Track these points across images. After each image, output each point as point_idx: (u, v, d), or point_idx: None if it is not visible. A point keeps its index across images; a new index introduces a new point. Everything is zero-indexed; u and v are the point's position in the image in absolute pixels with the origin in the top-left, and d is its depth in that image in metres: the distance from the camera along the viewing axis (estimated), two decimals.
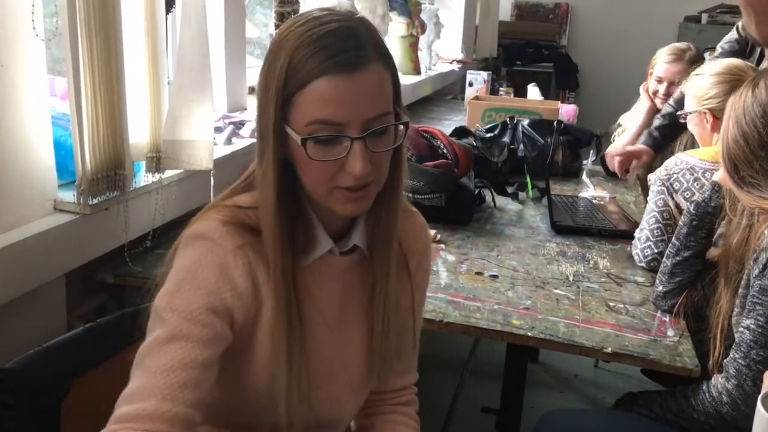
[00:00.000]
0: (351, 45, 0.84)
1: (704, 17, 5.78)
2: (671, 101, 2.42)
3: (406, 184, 0.99)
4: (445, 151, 2.01)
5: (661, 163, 1.81)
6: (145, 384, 0.81)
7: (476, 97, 3.50)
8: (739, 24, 2.23)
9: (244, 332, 0.92)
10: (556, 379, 2.80)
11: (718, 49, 2.31)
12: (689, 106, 1.85)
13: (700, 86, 1.81)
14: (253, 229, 0.91)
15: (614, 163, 2.40)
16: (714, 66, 1.82)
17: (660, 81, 2.67)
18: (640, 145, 2.42)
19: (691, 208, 1.46)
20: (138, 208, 1.51)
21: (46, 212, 1.35)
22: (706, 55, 2.72)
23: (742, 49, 2.26)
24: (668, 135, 2.42)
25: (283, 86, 0.85)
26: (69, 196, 1.37)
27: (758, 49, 2.20)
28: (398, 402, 1.14)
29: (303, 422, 0.95)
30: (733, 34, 2.30)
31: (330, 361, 1.00)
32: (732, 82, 1.69)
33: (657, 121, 2.44)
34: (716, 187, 1.43)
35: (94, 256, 1.43)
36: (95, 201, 1.37)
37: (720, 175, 1.39)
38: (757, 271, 1.22)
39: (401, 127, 0.91)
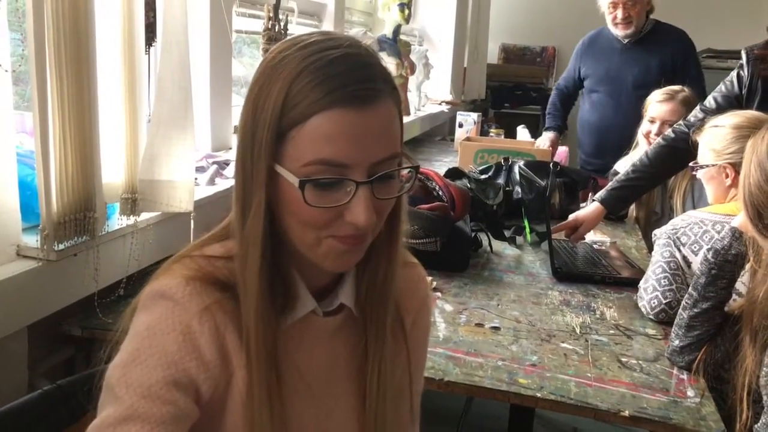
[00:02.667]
0: (362, 76, 0.73)
1: None
2: (644, 156, 2.21)
3: (405, 231, 0.87)
4: (440, 193, 1.92)
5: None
6: None
7: (468, 138, 3.44)
8: (741, 73, 2.11)
9: (212, 407, 0.79)
10: None
11: (712, 102, 2.13)
12: (706, 158, 1.75)
13: (720, 139, 1.71)
14: (222, 283, 0.78)
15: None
16: (734, 117, 1.73)
17: (653, 121, 2.61)
18: (587, 211, 2.20)
19: (710, 256, 1.36)
20: (110, 253, 1.39)
21: (7, 258, 1.24)
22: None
23: (738, 104, 2.13)
24: (629, 196, 2.25)
25: (278, 118, 0.72)
26: (33, 240, 1.25)
27: (755, 101, 2.09)
28: None
29: None
30: (729, 88, 2.10)
31: None
32: None
33: (623, 175, 2.22)
34: (736, 234, 1.33)
35: (60, 307, 1.30)
36: (62, 246, 1.25)
37: (740, 220, 1.30)
38: None
39: (408, 171, 0.79)
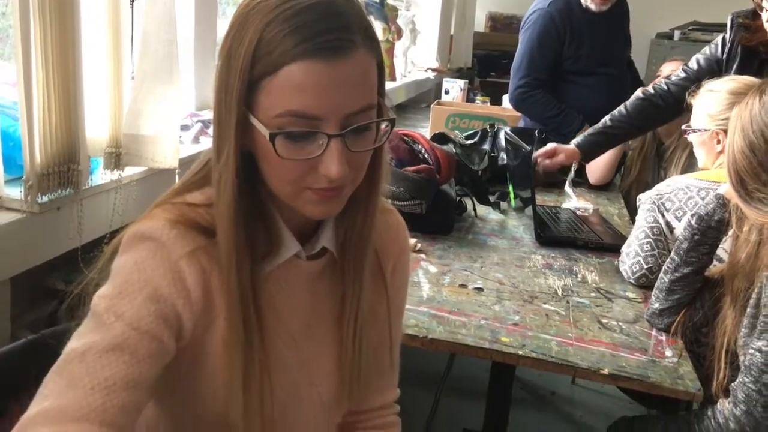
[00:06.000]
0: (335, 25, 0.71)
1: (677, 34, 5.80)
2: (623, 107, 2.28)
3: (385, 186, 0.87)
4: (426, 156, 1.91)
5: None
6: (77, 401, 0.67)
7: (438, 102, 3.41)
8: (726, 37, 2.12)
9: (193, 348, 0.80)
10: (533, 396, 2.71)
11: (694, 63, 2.19)
12: (700, 122, 1.75)
13: (715, 104, 1.71)
14: (205, 229, 0.78)
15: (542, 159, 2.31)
16: (730, 83, 1.73)
17: (658, 77, 2.62)
18: (565, 146, 2.31)
19: (693, 222, 1.37)
20: (94, 208, 1.37)
21: None
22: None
23: (718, 68, 2.15)
24: (604, 143, 2.32)
25: (249, 68, 0.71)
26: (16, 192, 1.24)
27: (733, 67, 2.10)
28: (376, 425, 1.02)
29: None
30: (712, 51, 2.15)
31: (297, 379, 0.88)
32: None
33: (601, 123, 2.30)
34: (721, 200, 1.34)
35: (43, 260, 1.29)
36: (45, 199, 1.24)
37: (725, 188, 1.31)
38: None
39: (385, 123, 0.78)
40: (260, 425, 0.81)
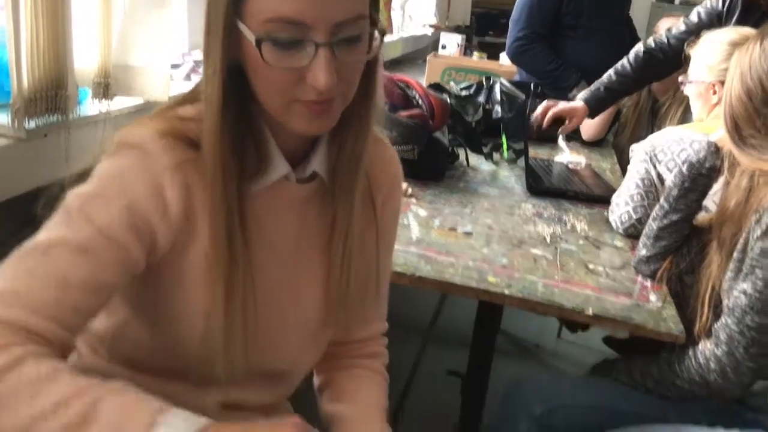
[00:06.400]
0: None
1: None
2: (626, 61, 2.24)
3: (380, 106, 0.86)
4: (420, 101, 1.90)
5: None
6: (31, 291, 0.67)
7: (435, 54, 3.37)
8: None
9: (170, 264, 0.79)
10: (518, 348, 2.74)
11: (695, 16, 2.16)
12: (698, 73, 1.72)
13: (714, 55, 1.67)
14: (194, 143, 0.77)
15: (544, 114, 2.26)
16: (730, 33, 1.69)
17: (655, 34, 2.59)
18: (576, 105, 2.27)
19: (684, 169, 1.37)
20: (81, 138, 1.36)
21: None
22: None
23: (719, 21, 2.13)
24: (609, 99, 2.29)
25: None
26: (3, 118, 1.22)
27: (732, 20, 2.09)
28: (363, 354, 1.03)
29: (246, 371, 0.83)
30: (714, 5, 2.12)
31: (282, 302, 0.88)
32: None
33: (606, 78, 2.25)
34: (713, 148, 1.33)
35: (29, 188, 1.28)
36: (32, 125, 1.22)
37: (718, 135, 1.31)
38: (759, 233, 1.14)
39: (376, 35, 0.77)
40: (242, 344, 0.81)
